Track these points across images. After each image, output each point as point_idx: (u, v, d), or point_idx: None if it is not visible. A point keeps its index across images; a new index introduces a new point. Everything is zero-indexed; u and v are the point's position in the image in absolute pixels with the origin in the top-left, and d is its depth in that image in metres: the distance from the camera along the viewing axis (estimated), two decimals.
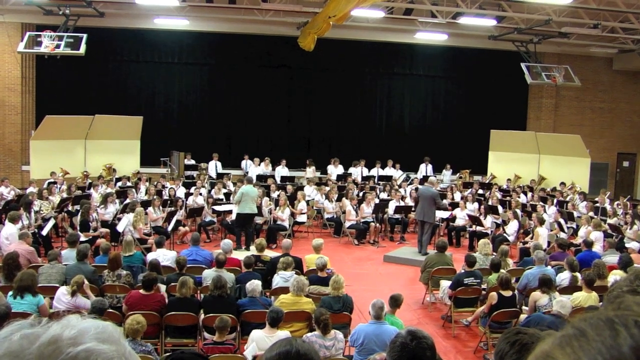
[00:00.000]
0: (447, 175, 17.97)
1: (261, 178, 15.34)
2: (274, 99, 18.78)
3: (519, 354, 1.61)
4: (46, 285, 6.63)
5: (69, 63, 15.87)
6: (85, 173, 15.10)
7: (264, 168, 16.66)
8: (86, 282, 6.33)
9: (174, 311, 6.12)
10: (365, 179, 16.45)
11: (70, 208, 11.96)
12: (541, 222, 11.00)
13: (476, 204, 13.48)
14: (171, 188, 13.59)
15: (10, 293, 5.85)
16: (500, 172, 17.58)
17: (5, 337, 0.77)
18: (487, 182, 16.86)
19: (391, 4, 15.39)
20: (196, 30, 17.53)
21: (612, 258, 8.52)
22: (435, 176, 16.12)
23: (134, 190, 13.40)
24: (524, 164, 17.29)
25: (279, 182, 15.38)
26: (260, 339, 5.27)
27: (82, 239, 9.31)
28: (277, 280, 7.16)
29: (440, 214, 13.12)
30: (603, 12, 15.00)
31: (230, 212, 12.18)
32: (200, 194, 13.13)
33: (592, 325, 0.70)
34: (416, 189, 13.65)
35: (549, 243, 10.73)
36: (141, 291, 6.25)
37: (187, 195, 13.38)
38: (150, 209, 11.52)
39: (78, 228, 10.45)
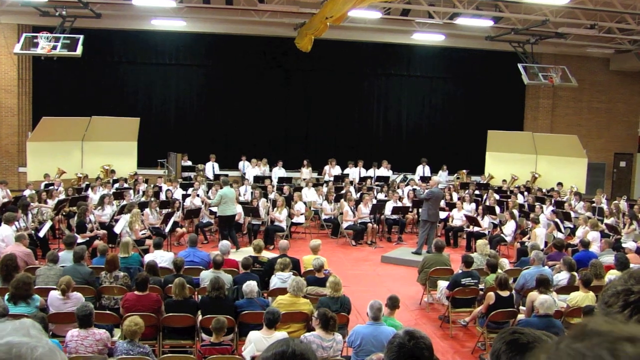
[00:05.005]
0: (443, 176, 17.98)
1: (258, 179, 15.34)
2: (271, 100, 18.76)
3: (515, 353, 1.62)
4: (43, 287, 6.60)
5: (66, 64, 15.84)
6: (79, 175, 15.06)
7: (261, 169, 16.65)
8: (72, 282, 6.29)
9: (172, 312, 6.11)
10: (362, 179, 16.46)
11: (67, 209, 11.93)
12: (538, 222, 11.01)
13: (473, 205, 13.49)
14: (168, 189, 13.57)
15: (7, 297, 5.81)
16: (497, 172, 17.60)
17: None
18: (484, 182, 16.88)
19: (388, 5, 15.40)
20: (193, 31, 17.51)
21: (609, 258, 8.53)
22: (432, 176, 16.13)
23: (131, 191, 13.37)
24: (522, 164, 17.31)
25: (276, 183, 15.37)
26: (258, 340, 5.26)
27: (79, 240, 9.28)
28: (275, 281, 7.15)
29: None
30: (600, 12, 15.05)
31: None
32: (198, 195, 13.11)
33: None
34: (414, 190, 13.62)
35: (546, 243, 10.74)
36: (136, 292, 6.24)
37: (185, 196, 13.37)
38: (147, 210, 11.50)
39: (75, 229, 10.43)
